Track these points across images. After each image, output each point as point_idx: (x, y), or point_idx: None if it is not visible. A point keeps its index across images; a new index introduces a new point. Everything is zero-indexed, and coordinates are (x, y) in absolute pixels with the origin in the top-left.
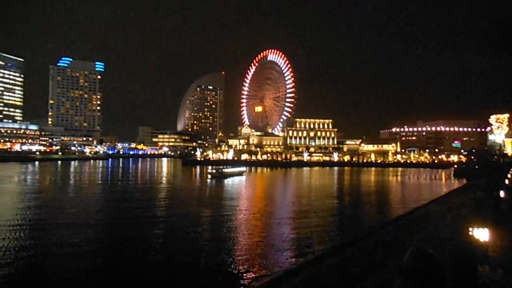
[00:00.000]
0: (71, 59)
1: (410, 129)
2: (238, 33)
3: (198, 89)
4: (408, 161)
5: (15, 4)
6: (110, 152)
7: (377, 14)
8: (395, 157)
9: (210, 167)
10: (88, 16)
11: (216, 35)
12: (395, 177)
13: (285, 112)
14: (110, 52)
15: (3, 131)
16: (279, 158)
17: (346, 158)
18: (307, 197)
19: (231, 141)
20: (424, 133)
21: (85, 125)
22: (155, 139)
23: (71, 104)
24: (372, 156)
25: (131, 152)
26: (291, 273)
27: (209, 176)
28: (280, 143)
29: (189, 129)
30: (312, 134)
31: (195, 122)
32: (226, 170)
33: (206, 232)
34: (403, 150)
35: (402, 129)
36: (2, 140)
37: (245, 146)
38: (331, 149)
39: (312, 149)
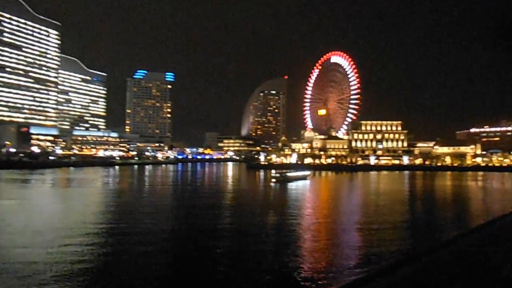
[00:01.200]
0: (145, 71)
1: (492, 129)
2: (300, 37)
3: (261, 94)
4: (490, 165)
5: (97, 25)
6: (180, 157)
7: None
8: (474, 160)
9: (273, 171)
10: (160, 29)
11: (278, 40)
12: (475, 182)
13: (349, 115)
14: (180, 62)
15: (90, 138)
16: (344, 162)
17: (418, 161)
18: (376, 202)
19: (294, 145)
20: (509, 133)
21: (157, 132)
22: (220, 144)
23: (145, 112)
24: (448, 159)
25: (198, 157)
26: (360, 283)
27: (273, 180)
28: (345, 147)
29: (253, 134)
30: (379, 136)
31: (259, 126)
32: (289, 174)
33: (272, 237)
34: (483, 152)
35: (482, 130)
36: (89, 147)
37: (309, 150)
38: (400, 152)
39: (379, 152)
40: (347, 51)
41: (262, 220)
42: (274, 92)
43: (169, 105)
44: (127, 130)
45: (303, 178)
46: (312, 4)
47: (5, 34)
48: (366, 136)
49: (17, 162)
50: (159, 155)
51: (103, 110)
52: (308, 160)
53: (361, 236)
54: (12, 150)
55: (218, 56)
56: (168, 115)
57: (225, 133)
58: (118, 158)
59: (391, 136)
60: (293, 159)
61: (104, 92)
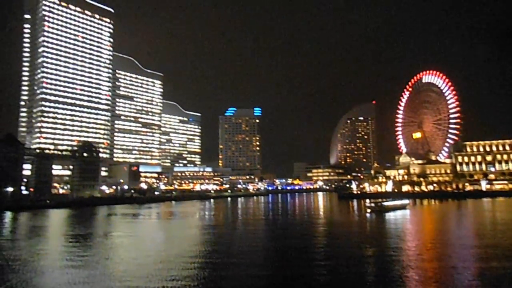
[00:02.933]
0: (235, 108)
1: None
2: (385, 60)
3: (348, 121)
4: None
5: (192, 71)
6: (270, 188)
7: None
8: None
9: (368, 200)
10: (247, 68)
11: (363, 65)
12: None
13: (450, 136)
14: (266, 96)
15: (188, 174)
16: (448, 188)
17: None
18: (492, 235)
19: (388, 172)
20: None
21: (247, 164)
22: (309, 174)
23: (236, 147)
24: None
25: (288, 188)
26: None
27: (368, 210)
28: (448, 171)
29: (342, 162)
30: (489, 158)
31: (348, 154)
32: (386, 204)
33: (371, 274)
34: None
35: None
36: (187, 182)
37: (405, 176)
38: None
39: (492, 176)
40: (440, 69)
41: (360, 253)
42: (362, 118)
43: (257, 138)
44: (220, 164)
45: (402, 207)
46: (395, 25)
47: (121, 88)
48: (473, 159)
49: (129, 197)
50: (250, 187)
51: (198, 147)
52: (405, 188)
53: (477, 277)
54: (125, 187)
55: (303, 87)
56: (257, 148)
57: (314, 162)
58: (213, 191)
59: (505, 157)
60: (388, 187)
61: (199, 130)
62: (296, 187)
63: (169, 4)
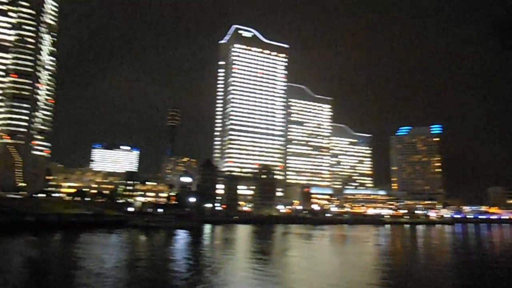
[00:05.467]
0: (408, 127)
1: None
2: None
3: None
4: None
5: (362, 94)
6: (457, 216)
7: None
8: None
9: None
10: (420, 85)
11: None
12: None
13: None
14: (447, 113)
15: (359, 196)
16: None
17: None
18: None
19: None
20: None
21: (426, 188)
22: (510, 201)
23: (412, 169)
24: None
25: (481, 217)
26: None
27: None
28: None
29: None
30: None
31: None
32: None
33: None
34: None
35: None
36: (359, 205)
37: None
38: None
39: None
40: None
41: None
42: None
43: (438, 159)
44: (394, 187)
45: None
46: None
47: (293, 115)
48: None
49: (302, 217)
50: (432, 214)
51: (369, 169)
52: None
53: None
54: (299, 207)
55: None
56: (438, 170)
57: None
58: (387, 216)
59: None
60: None
61: (369, 152)
62: (493, 217)
63: (334, 34)
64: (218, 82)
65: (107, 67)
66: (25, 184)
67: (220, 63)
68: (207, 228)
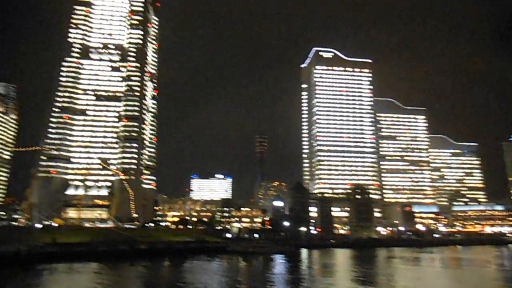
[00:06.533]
0: None
1: None
2: None
3: None
4: None
5: (460, 99)
6: None
7: None
8: None
9: None
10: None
11: None
12: None
13: None
14: None
15: (471, 213)
16: None
17: None
18: None
19: None
20: None
21: None
22: None
23: None
24: None
25: None
26: None
27: None
28: None
29: None
30: None
31: None
32: None
33: None
34: None
35: None
36: (472, 222)
37: None
38: None
39: None
40: None
41: None
42: None
43: None
44: None
45: None
46: None
47: (383, 129)
48: None
49: (406, 239)
50: None
51: (480, 181)
52: None
53: None
54: (401, 228)
55: None
56: None
57: None
58: (510, 234)
59: None
60: None
61: (477, 162)
62: None
63: (418, 40)
64: (302, 105)
65: (201, 103)
66: (137, 215)
67: (303, 86)
68: (303, 252)
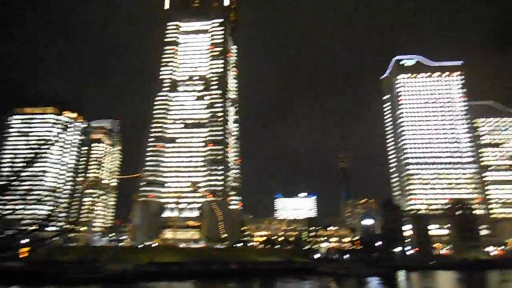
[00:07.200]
0: None
1: None
2: None
3: None
4: None
5: None
6: None
7: None
8: None
9: None
10: None
11: None
12: None
13: None
14: None
15: None
16: None
17: None
18: None
19: None
20: None
21: None
22: None
23: None
24: None
25: None
26: None
27: None
28: None
29: None
30: None
31: None
32: None
33: None
34: None
35: None
36: None
37: None
38: None
39: None
40: None
41: None
42: None
43: None
44: None
45: None
46: None
47: (483, 136)
48: None
49: None
50: None
51: None
52: None
53: None
54: None
55: None
56: None
57: None
58: None
59: None
60: None
61: None
62: None
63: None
64: (386, 117)
65: (281, 123)
66: (226, 235)
67: (385, 97)
68: (400, 275)
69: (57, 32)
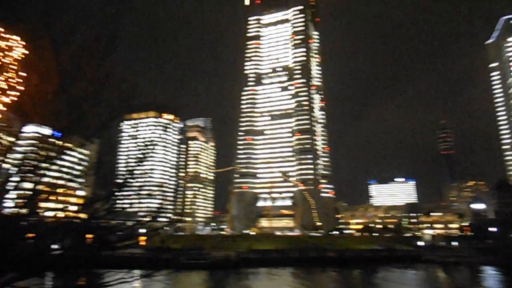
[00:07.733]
0: None
1: None
2: None
3: None
4: None
5: None
6: None
7: None
8: None
9: None
10: None
11: None
12: None
13: None
14: None
15: None
16: None
17: None
18: None
19: None
20: None
21: None
22: None
23: None
24: None
25: None
26: None
27: None
28: None
29: None
30: None
31: None
32: None
33: None
34: None
35: None
36: None
37: None
38: None
39: None
40: None
41: None
42: None
43: None
44: None
45: None
46: None
47: None
48: None
49: None
50: None
51: None
52: None
53: None
54: None
55: None
56: None
57: None
58: None
59: None
60: None
61: None
62: None
63: None
64: (494, 87)
65: (370, 105)
66: (321, 223)
67: (492, 65)
68: None
69: (146, 43)
